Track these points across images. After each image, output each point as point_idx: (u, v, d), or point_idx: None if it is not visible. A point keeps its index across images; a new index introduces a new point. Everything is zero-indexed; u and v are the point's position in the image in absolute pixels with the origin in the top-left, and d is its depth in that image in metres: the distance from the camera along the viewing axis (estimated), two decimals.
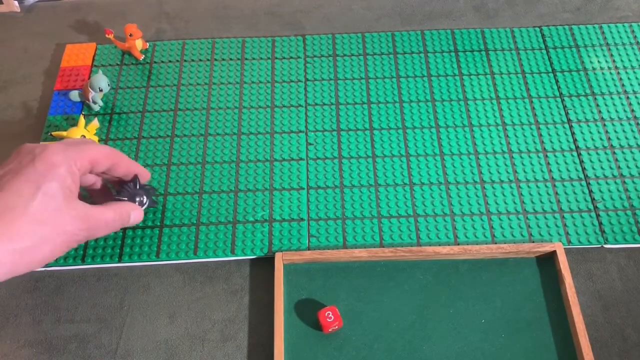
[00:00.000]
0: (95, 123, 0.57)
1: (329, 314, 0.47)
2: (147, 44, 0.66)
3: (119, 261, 0.52)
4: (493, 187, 0.56)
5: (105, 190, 0.52)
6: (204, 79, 0.64)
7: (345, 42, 0.66)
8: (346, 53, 0.66)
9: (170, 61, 0.65)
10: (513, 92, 0.62)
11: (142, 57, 0.65)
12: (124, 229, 0.54)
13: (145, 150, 0.59)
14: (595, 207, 0.54)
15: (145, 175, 0.51)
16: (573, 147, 0.58)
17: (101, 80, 0.59)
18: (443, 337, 0.48)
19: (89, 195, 0.52)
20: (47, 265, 0.52)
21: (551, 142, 0.59)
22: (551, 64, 0.64)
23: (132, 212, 0.48)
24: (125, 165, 0.49)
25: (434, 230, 0.53)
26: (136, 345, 0.49)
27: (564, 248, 0.52)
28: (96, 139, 0.57)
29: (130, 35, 0.62)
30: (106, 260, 0.52)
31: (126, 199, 0.51)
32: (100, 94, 0.61)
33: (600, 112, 0.61)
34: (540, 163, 0.57)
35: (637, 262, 0.52)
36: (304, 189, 0.56)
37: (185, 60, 0.65)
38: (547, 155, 0.58)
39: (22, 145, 0.44)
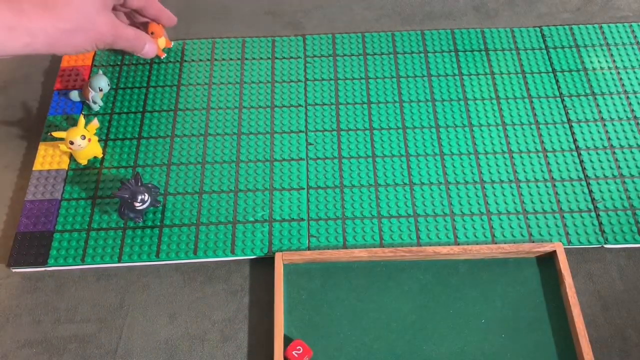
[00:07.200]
0: (95, 123, 0.57)
1: (298, 349, 0.46)
2: (172, 43, 0.66)
3: (119, 261, 0.52)
4: (493, 187, 0.56)
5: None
6: (204, 79, 0.64)
7: (345, 42, 0.66)
8: (346, 53, 0.66)
9: (170, 61, 0.65)
10: (513, 92, 0.62)
11: (165, 55, 0.65)
12: (124, 229, 0.54)
13: (145, 150, 0.59)
14: (595, 207, 0.54)
15: (171, 19, 0.62)
16: (573, 147, 0.58)
17: (101, 80, 0.59)
18: (443, 337, 0.48)
19: None
20: (47, 265, 0.52)
21: (551, 142, 0.59)
22: (551, 64, 0.64)
23: (147, 42, 0.58)
24: (156, 8, 0.60)
25: (434, 230, 0.53)
26: (136, 345, 0.49)
27: (564, 248, 0.52)
28: (96, 139, 0.57)
29: (152, 33, 0.62)
30: (106, 260, 0.52)
31: (127, 195, 0.51)
32: (100, 93, 0.61)
33: (600, 112, 0.61)
34: (540, 163, 0.57)
35: (637, 262, 0.52)
36: (304, 189, 0.56)
37: (185, 60, 0.65)
38: (547, 155, 0.58)
39: None
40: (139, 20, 0.63)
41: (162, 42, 0.64)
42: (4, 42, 0.47)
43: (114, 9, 0.57)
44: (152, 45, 0.59)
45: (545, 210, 0.54)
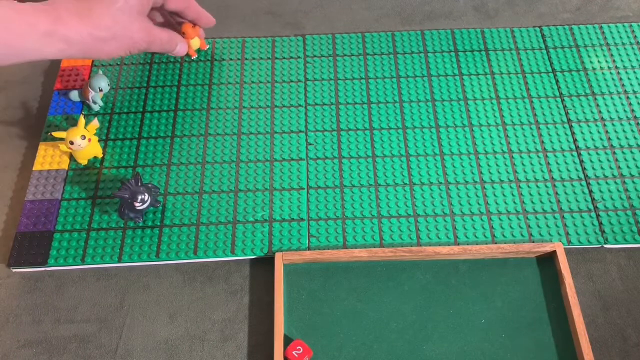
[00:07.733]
0: (95, 123, 0.57)
1: (298, 349, 0.47)
2: (208, 45, 0.66)
3: (119, 261, 0.52)
4: (493, 187, 0.56)
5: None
6: (203, 79, 0.64)
7: (345, 42, 0.66)
8: (346, 53, 0.66)
9: (170, 61, 0.65)
10: (513, 92, 0.62)
11: (196, 55, 0.65)
12: (124, 229, 0.54)
13: (145, 151, 0.59)
14: (595, 207, 0.54)
15: (210, 21, 0.62)
16: (573, 147, 0.58)
17: (101, 80, 0.59)
18: (443, 337, 0.48)
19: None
20: (47, 265, 0.52)
21: (551, 142, 0.59)
22: (551, 64, 0.64)
23: (180, 43, 0.59)
24: (195, 11, 0.60)
25: (434, 230, 0.53)
26: (136, 345, 0.49)
27: (564, 248, 0.52)
28: (96, 139, 0.57)
29: (183, 33, 0.62)
30: (106, 260, 0.52)
31: (127, 195, 0.51)
32: (100, 93, 0.61)
33: (600, 112, 0.61)
34: (540, 163, 0.57)
35: (637, 262, 0.52)
36: (304, 189, 0.56)
37: (185, 60, 0.65)
38: (547, 155, 0.58)
39: None
40: (176, 21, 0.62)
41: (197, 42, 0.64)
42: (41, 47, 0.47)
43: (152, 9, 0.57)
44: (184, 45, 0.60)
45: (545, 210, 0.54)
